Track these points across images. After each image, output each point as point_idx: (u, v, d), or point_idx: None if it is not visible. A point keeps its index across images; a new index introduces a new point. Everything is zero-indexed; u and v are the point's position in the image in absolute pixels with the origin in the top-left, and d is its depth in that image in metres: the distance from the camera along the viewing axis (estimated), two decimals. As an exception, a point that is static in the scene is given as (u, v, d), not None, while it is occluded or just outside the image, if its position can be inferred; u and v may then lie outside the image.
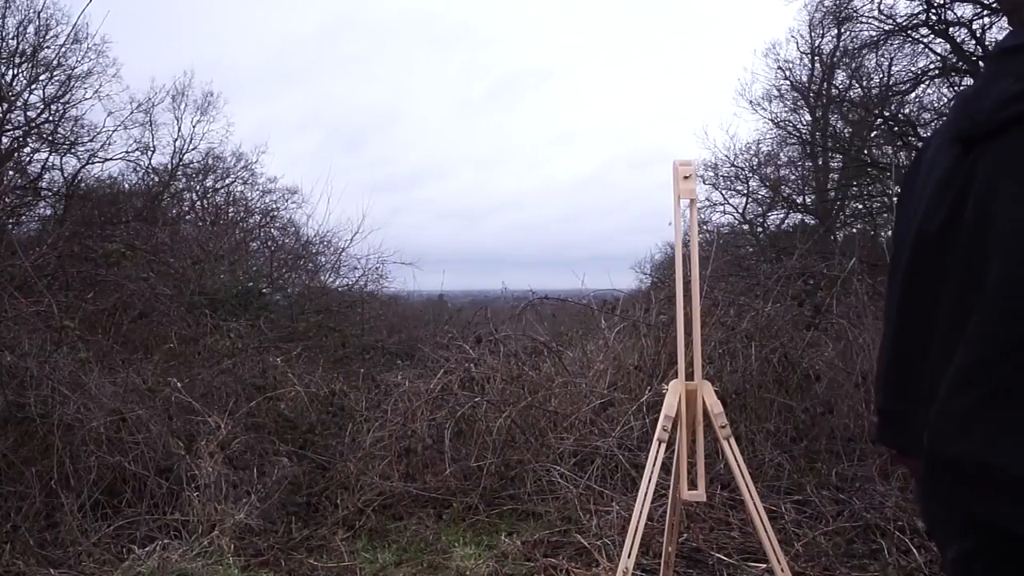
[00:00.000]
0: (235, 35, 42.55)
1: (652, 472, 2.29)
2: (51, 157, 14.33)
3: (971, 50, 11.69)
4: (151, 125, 16.13)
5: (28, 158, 13.98)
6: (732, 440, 2.31)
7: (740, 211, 15.72)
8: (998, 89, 0.98)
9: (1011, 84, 0.96)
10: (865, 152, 13.16)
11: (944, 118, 1.11)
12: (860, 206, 13.67)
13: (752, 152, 15.66)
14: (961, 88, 1.18)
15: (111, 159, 15.31)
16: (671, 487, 2.49)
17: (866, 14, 12.47)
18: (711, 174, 15.41)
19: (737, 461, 2.25)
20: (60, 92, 14.61)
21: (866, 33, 12.72)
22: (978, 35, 11.54)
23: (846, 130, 14.60)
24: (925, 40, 12.13)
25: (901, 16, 12.05)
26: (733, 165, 15.43)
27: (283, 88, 37.93)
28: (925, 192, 1.09)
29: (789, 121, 15.70)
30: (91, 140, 14.94)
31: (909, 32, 12.02)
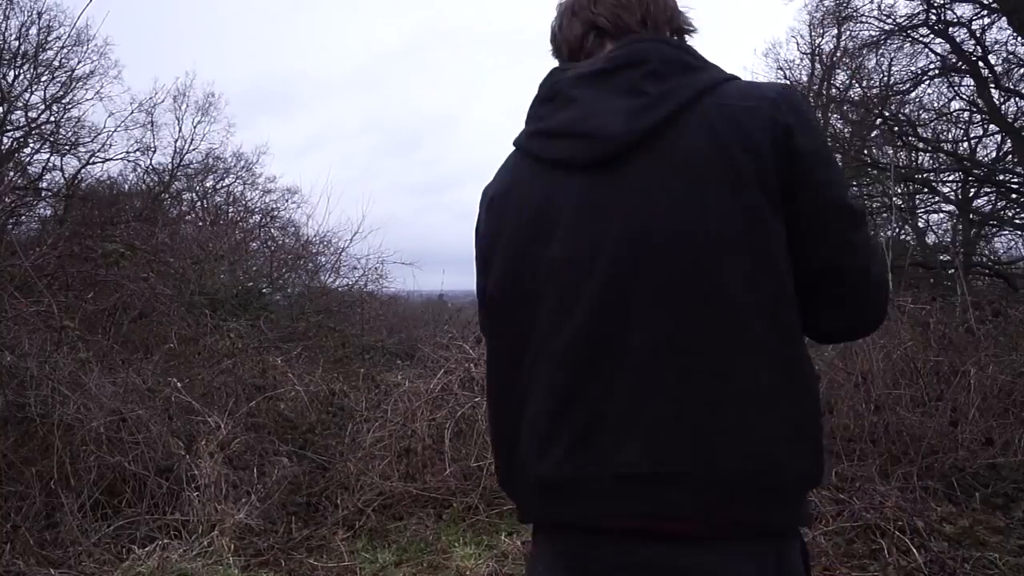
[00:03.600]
0: (324, 45, 44.48)
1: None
2: (52, 157, 14.38)
3: (971, 50, 11.68)
4: (152, 126, 16.18)
5: (29, 158, 14.03)
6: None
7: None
8: (618, 105, 1.01)
9: (629, 100, 1.02)
10: (865, 152, 13.14)
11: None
12: (860, 206, 13.65)
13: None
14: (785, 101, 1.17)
15: (111, 159, 15.36)
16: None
17: (866, 14, 12.47)
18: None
19: None
20: (61, 93, 14.67)
21: (866, 33, 12.72)
22: (978, 35, 11.54)
23: (846, 130, 14.60)
24: (925, 40, 12.13)
25: (901, 16, 12.04)
26: (733, 165, 15.40)
27: (357, 94, 39.68)
28: (546, 221, 1.06)
29: (789, 121, 15.69)
30: (92, 140, 14.98)
31: (909, 32, 12.01)
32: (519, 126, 1.18)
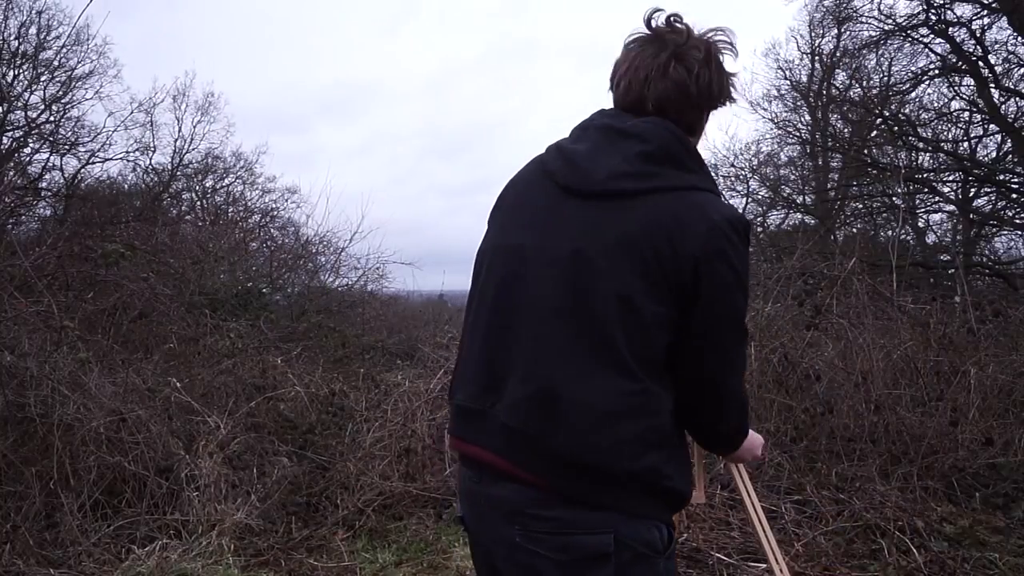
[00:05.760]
0: (398, 56, 46.76)
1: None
2: (51, 157, 14.38)
3: (971, 50, 11.68)
4: (152, 125, 16.19)
5: (28, 158, 14.02)
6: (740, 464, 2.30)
7: (740, 211, 15.71)
8: (610, 162, 1.29)
9: (619, 163, 1.29)
10: (865, 152, 13.13)
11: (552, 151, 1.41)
12: (860, 206, 13.64)
13: (752, 152, 15.66)
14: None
15: (111, 159, 15.37)
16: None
17: (866, 14, 12.47)
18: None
19: (745, 485, 2.23)
20: (61, 92, 14.67)
21: (866, 33, 12.72)
22: (978, 35, 11.53)
23: (846, 130, 14.60)
24: (925, 40, 12.12)
25: (901, 16, 12.04)
26: (733, 165, 15.43)
27: (422, 102, 40.93)
28: (521, 211, 1.39)
29: (789, 121, 15.71)
30: (91, 140, 14.99)
31: (909, 32, 12.01)
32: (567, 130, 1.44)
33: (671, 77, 1.35)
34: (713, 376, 1.31)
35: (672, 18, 1.37)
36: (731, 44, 1.40)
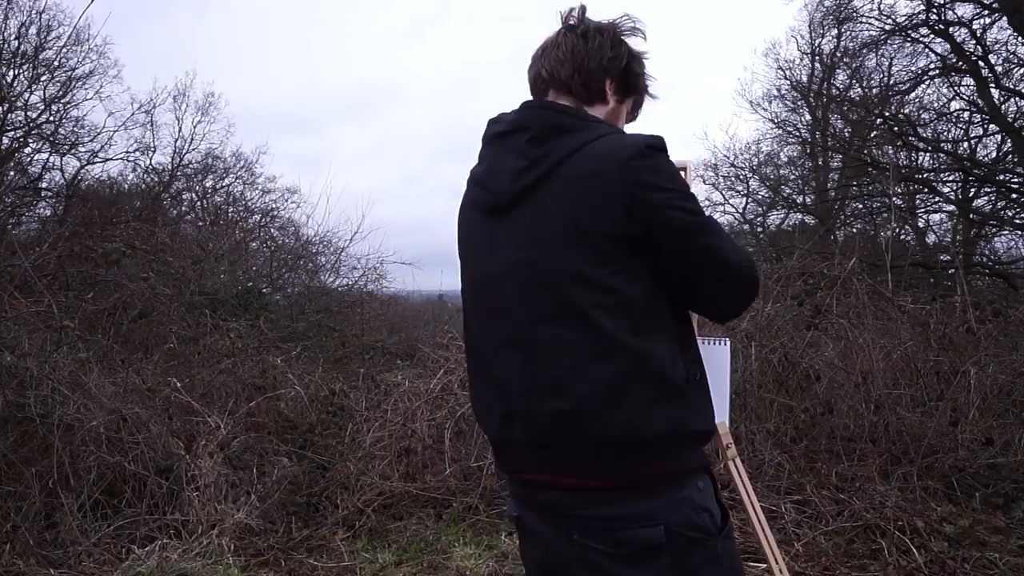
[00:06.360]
0: (419, 58, 46.19)
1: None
2: (52, 157, 14.35)
3: (971, 50, 11.67)
4: (152, 125, 16.16)
5: (29, 158, 13.99)
6: (738, 460, 2.30)
7: (740, 211, 15.72)
8: (508, 166, 1.33)
9: (515, 161, 1.32)
10: (865, 152, 13.12)
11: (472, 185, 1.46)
12: (860, 206, 13.64)
13: (752, 152, 15.67)
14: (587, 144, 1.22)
15: (111, 159, 15.34)
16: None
17: (866, 14, 12.47)
18: (711, 174, 15.39)
19: (745, 485, 2.23)
20: (61, 92, 14.64)
21: (866, 33, 12.72)
22: (978, 35, 11.53)
23: (846, 130, 14.59)
24: (925, 40, 12.12)
25: (901, 16, 12.04)
26: (733, 165, 15.44)
27: (440, 104, 41.44)
28: (469, 246, 1.46)
29: (789, 121, 15.71)
30: (91, 140, 14.97)
31: (909, 32, 12.01)
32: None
33: (562, 44, 1.41)
34: (706, 271, 1.30)
35: (580, 10, 1.43)
36: (635, 27, 1.43)
